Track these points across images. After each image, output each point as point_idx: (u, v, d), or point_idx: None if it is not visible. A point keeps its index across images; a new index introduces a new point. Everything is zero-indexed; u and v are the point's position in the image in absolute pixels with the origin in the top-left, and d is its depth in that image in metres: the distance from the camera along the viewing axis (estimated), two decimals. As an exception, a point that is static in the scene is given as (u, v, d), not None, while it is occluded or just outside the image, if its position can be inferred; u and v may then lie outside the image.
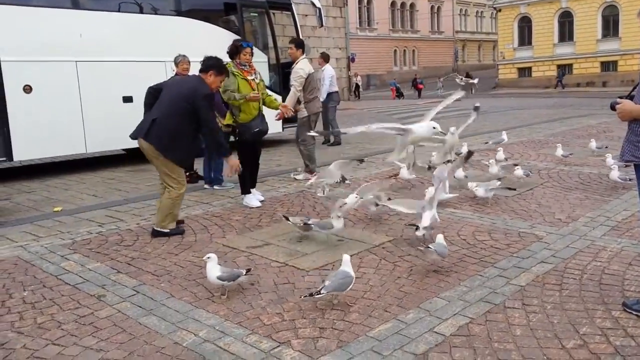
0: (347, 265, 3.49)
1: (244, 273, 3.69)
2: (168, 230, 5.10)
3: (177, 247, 4.80)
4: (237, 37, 10.22)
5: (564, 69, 36.02)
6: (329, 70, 11.54)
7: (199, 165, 7.99)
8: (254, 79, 6.12)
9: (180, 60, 7.61)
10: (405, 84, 40.69)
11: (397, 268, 4.11)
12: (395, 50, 50.71)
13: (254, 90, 6.08)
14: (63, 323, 3.37)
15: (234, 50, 6.12)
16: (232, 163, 5.25)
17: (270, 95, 6.54)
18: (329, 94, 11.42)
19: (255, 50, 10.88)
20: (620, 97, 3.27)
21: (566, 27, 36.74)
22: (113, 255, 4.63)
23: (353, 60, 34.59)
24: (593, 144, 8.21)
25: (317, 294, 3.33)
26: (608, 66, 35.05)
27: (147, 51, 9.50)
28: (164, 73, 9.22)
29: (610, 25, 35.00)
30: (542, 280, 3.77)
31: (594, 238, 4.61)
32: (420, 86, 35.77)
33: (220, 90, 6.08)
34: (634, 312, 3.21)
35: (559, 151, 7.95)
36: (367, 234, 4.98)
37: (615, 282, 3.69)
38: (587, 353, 2.82)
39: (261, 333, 3.14)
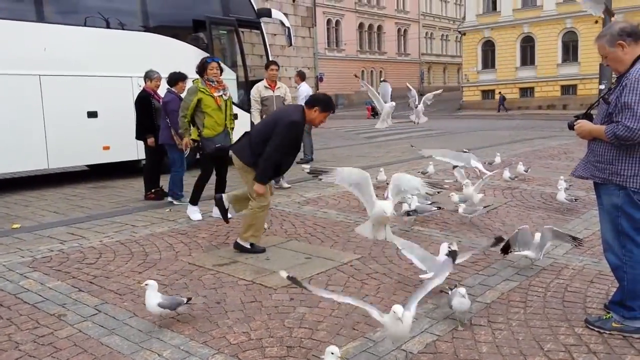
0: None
1: (185, 302, 3.48)
2: (249, 246, 4.93)
3: (140, 265, 4.70)
4: (206, 55, 10.25)
5: (488, 94, 37.31)
6: (305, 89, 11.61)
7: (165, 182, 7.89)
8: (221, 96, 6.11)
9: (156, 77, 7.59)
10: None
11: (365, 286, 4.11)
12: (362, 71, 51.37)
13: (219, 106, 6.06)
14: (21, 343, 3.25)
15: (202, 67, 6.11)
16: (257, 189, 4.83)
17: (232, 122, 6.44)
18: None
19: (223, 67, 10.97)
20: (576, 117, 3.38)
21: (528, 52, 37.90)
22: (74, 274, 4.50)
23: (321, 80, 34.90)
24: (506, 173, 8.03)
25: None
26: (568, 90, 36.21)
27: (114, 66, 9.38)
28: (130, 89, 9.16)
29: (570, 50, 36.26)
30: (507, 297, 3.82)
31: (556, 256, 4.70)
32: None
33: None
34: (596, 329, 3.28)
35: (520, 167, 8.05)
36: (336, 252, 4.97)
37: (577, 300, 3.76)
38: (552, 369, 2.86)
39: (227, 352, 3.08)
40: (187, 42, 10.56)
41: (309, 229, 5.82)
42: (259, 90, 8.38)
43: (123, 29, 9.84)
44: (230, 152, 5.11)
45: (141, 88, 7.74)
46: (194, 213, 6.32)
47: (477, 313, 3.56)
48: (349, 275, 4.34)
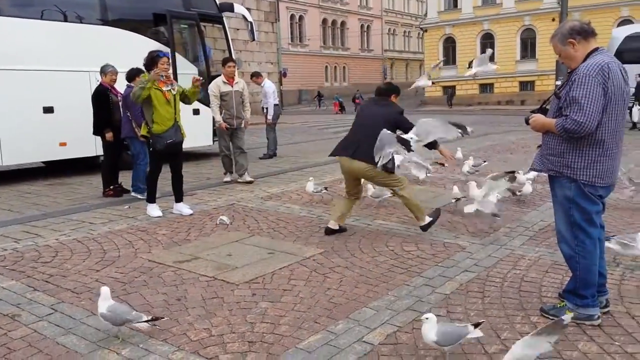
0: None
1: (144, 319, 3.15)
2: (429, 220, 5.33)
3: (98, 263, 4.60)
4: (167, 49, 10.09)
5: (453, 89, 38.07)
6: (270, 84, 11.58)
7: (123, 179, 7.76)
8: (169, 90, 6.04)
9: (110, 71, 7.43)
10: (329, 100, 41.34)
11: (327, 280, 4.13)
12: (326, 67, 51.44)
13: (168, 100, 6.02)
14: (-29, 346, 3.14)
15: (150, 62, 6.01)
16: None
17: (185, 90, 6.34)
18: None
19: (184, 62, 10.84)
20: (532, 112, 3.47)
21: (488, 48, 38.61)
22: (29, 273, 4.37)
23: (285, 75, 34.80)
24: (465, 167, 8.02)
25: None
26: (526, 86, 37.10)
27: (71, 61, 9.14)
28: (87, 83, 8.94)
29: (528, 47, 37.12)
30: (466, 288, 3.90)
31: (513, 247, 4.82)
32: (358, 101, 36.43)
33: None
34: (551, 317, 3.37)
35: (470, 162, 8.05)
36: (298, 247, 4.98)
37: (533, 289, 3.87)
38: (508, 357, 2.93)
39: (188, 349, 3.05)
40: (147, 37, 10.36)
41: (272, 224, 5.80)
42: (218, 85, 8.35)
43: (81, 23, 9.59)
44: (348, 160, 5.23)
45: (99, 83, 7.57)
46: (154, 210, 6.23)
47: (436, 304, 3.62)
48: (312, 269, 4.35)
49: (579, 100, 3.06)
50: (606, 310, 3.41)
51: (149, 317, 3.20)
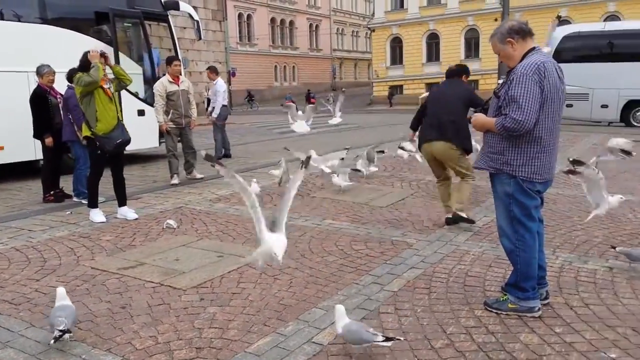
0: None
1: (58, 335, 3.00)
2: (466, 217, 5.41)
3: (38, 272, 4.42)
4: (111, 48, 9.81)
5: (396, 89, 38.99)
6: (222, 83, 11.43)
7: (64, 184, 7.49)
8: (109, 88, 5.92)
9: (47, 72, 7.14)
10: (283, 100, 41.20)
11: (277, 281, 4.11)
12: (275, 66, 51.25)
13: (110, 98, 5.89)
14: None
15: (88, 62, 5.81)
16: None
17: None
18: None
19: (129, 61, 10.56)
20: (475, 111, 3.57)
21: (433, 48, 39.45)
22: (-37, 285, 4.16)
23: (234, 74, 34.47)
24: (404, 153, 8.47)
25: None
26: (471, 84, 38.03)
27: (8, 60, 8.73)
28: (26, 84, 8.57)
29: (472, 47, 38.13)
30: (413, 284, 3.97)
31: (458, 243, 4.94)
32: (313, 100, 36.41)
33: (77, 93, 5.91)
34: (494, 310, 3.47)
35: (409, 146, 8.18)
36: (248, 249, 4.92)
37: (477, 284, 3.97)
38: (454, 351, 3.00)
39: (133, 359, 2.98)
40: (89, 35, 10.04)
41: (221, 226, 5.73)
42: (164, 85, 8.21)
43: (19, 21, 9.19)
44: (438, 142, 5.44)
45: (37, 84, 7.27)
46: (97, 215, 6.04)
47: (384, 301, 3.67)
48: (261, 271, 4.32)
49: (517, 99, 3.16)
50: (546, 302, 3.54)
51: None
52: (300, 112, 8.11)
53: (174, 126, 8.21)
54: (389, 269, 4.31)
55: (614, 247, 4.32)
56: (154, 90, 8.42)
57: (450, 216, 5.47)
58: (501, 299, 3.54)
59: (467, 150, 5.60)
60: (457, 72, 5.91)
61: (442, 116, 5.44)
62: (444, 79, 5.98)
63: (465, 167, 5.53)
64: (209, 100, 20.84)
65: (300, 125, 8.02)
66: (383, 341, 2.87)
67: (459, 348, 3.03)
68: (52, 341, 3.02)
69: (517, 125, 3.17)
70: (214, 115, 11.16)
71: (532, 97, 3.15)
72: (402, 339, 3.02)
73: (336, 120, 8.45)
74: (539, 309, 3.42)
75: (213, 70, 11.55)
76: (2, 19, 8.96)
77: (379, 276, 4.15)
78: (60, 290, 3.29)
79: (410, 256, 4.60)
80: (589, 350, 2.98)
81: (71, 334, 3.11)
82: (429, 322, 3.35)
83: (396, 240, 5.07)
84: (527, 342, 3.08)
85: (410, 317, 3.42)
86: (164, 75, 8.73)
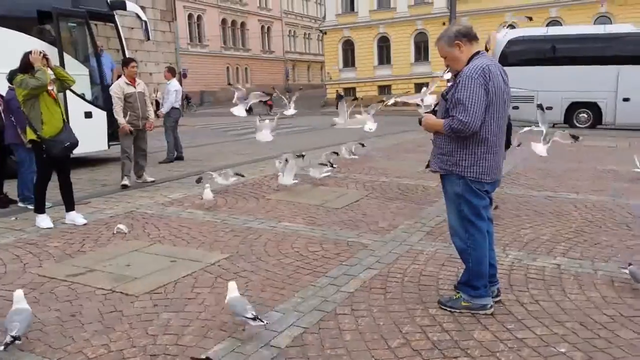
0: None
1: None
2: None
3: (-18, 281, 4.23)
4: (54, 48, 9.48)
5: (349, 91, 39.38)
6: (175, 84, 11.24)
7: (9, 188, 7.19)
8: (52, 90, 5.75)
9: None
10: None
11: (232, 285, 4.06)
12: (228, 68, 50.73)
13: (55, 100, 5.74)
14: None
15: (28, 64, 5.60)
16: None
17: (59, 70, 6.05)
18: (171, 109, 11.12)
19: (74, 62, 10.25)
20: (427, 112, 3.64)
21: (384, 51, 39.98)
22: None
23: (185, 76, 33.90)
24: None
25: None
26: (421, 87, 38.56)
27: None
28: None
29: (422, 50, 38.84)
30: (369, 285, 4.01)
31: (412, 243, 5.02)
32: (270, 102, 36.08)
33: (19, 96, 5.68)
34: (448, 309, 3.55)
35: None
36: (202, 252, 4.87)
37: (431, 283, 4.05)
38: (410, 350, 3.05)
39: (85, 368, 2.89)
40: (32, 35, 9.68)
41: (174, 230, 5.63)
42: (121, 87, 8.10)
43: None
44: None
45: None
46: (44, 221, 5.82)
47: (341, 302, 3.69)
48: (217, 275, 4.27)
49: (463, 102, 3.24)
50: (498, 299, 3.64)
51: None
52: (266, 122, 8.58)
53: (132, 128, 8.07)
54: (345, 270, 4.33)
55: (630, 264, 3.97)
56: (111, 93, 8.27)
57: None
58: (454, 297, 3.62)
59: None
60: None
61: None
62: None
63: None
64: (157, 103, 20.41)
65: (265, 135, 8.39)
66: (251, 319, 3.15)
67: (415, 347, 3.08)
68: (2, 347, 2.95)
69: (464, 127, 3.25)
70: (163, 111, 11.00)
71: (478, 100, 3.24)
72: (265, 322, 3.21)
73: (291, 111, 9.03)
74: (491, 307, 3.51)
75: (170, 70, 11.42)
76: None
77: (335, 277, 4.17)
78: (18, 293, 3.24)
79: (366, 257, 4.65)
80: (539, 345, 3.09)
81: (20, 342, 3.04)
82: (385, 322, 3.39)
83: (352, 242, 5.11)
84: (481, 339, 3.16)
85: (366, 317, 3.45)
86: (119, 78, 8.57)
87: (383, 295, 3.82)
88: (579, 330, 3.26)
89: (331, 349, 3.06)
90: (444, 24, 33.48)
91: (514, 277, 4.14)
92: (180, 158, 11.22)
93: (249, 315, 3.15)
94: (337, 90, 38.88)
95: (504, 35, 16.64)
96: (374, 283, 4.04)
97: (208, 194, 6.51)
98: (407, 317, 3.46)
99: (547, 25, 30.52)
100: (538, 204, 6.53)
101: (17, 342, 3.00)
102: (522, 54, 17.72)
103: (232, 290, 3.35)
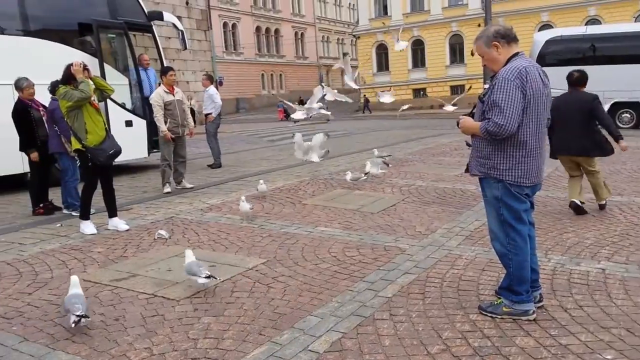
0: None
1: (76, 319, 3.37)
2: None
3: (30, 285, 4.38)
4: (95, 59, 9.77)
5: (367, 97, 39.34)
6: (213, 91, 11.46)
7: (54, 196, 7.43)
8: (94, 100, 5.94)
9: (26, 85, 7.05)
10: (273, 107, 41.34)
11: (271, 290, 4.10)
12: (262, 74, 51.27)
13: (97, 109, 5.93)
14: None
15: (70, 75, 5.81)
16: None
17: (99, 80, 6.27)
18: (206, 115, 11.29)
19: (114, 72, 10.53)
20: (465, 115, 3.60)
21: (419, 54, 39.73)
22: (-48, 301, 4.11)
23: (221, 83, 34.43)
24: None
25: None
26: (457, 90, 38.27)
27: (-8, 73, 8.67)
28: (11, 97, 8.47)
29: (457, 52, 38.45)
30: (407, 290, 3.98)
31: (450, 248, 4.96)
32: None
33: (63, 108, 5.87)
34: (489, 314, 3.49)
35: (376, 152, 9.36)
36: (240, 258, 4.92)
37: (471, 288, 3.99)
38: (450, 356, 3.01)
39: (129, 370, 2.96)
40: (73, 47, 10.00)
41: (213, 235, 5.71)
42: (160, 95, 8.30)
43: (2, 34, 9.13)
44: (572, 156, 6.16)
45: (18, 97, 7.18)
46: (88, 227, 5.99)
47: (379, 308, 3.67)
48: (255, 280, 4.31)
49: (499, 104, 3.20)
50: (540, 304, 3.56)
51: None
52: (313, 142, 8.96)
53: (172, 135, 8.25)
54: (382, 275, 4.31)
55: None
56: (151, 102, 8.48)
57: (603, 202, 6.19)
58: (495, 302, 3.56)
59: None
60: (578, 80, 6.17)
61: (573, 129, 5.99)
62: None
63: (595, 167, 6.17)
64: (192, 110, 20.73)
65: (313, 157, 8.98)
66: (205, 277, 3.77)
67: (456, 353, 3.04)
68: (73, 324, 3.36)
69: (499, 129, 3.21)
70: (214, 114, 11.21)
71: (514, 102, 3.19)
72: (218, 278, 3.94)
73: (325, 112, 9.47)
74: (533, 312, 3.44)
75: (208, 78, 11.62)
76: (-15, 33, 8.91)
77: (373, 282, 4.16)
78: (74, 279, 3.63)
79: (404, 262, 4.62)
80: (584, 352, 3.01)
81: (89, 319, 3.47)
82: (424, 328, 3.36)
83: (389, 246, 5.08)
84: (523, 346, 3.10)
85: (405, 323, 3.43)
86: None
87: (422, 300, 3.79)
88: (626, 336, 3.16)
89: (370, 354, 3.05)
90: (479, 25, 33.08)
91: (557, 282, 4.04)
92: (214, 165, 11.37)
93: (203, 275, 3.69)
94: (364, 95, 39.00)
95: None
96: (412, 288, 4.01)
97: (244, 206, 6.44)
98: (446, 323, 3.42)
99: (586, 24, 29.79)
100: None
101: (83, 319, 3.38)
102: (560, 53, 17.35)
103: (190, 256, 3.98)
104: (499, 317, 3.44)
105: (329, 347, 3.15)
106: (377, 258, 4.75)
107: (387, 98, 9.70)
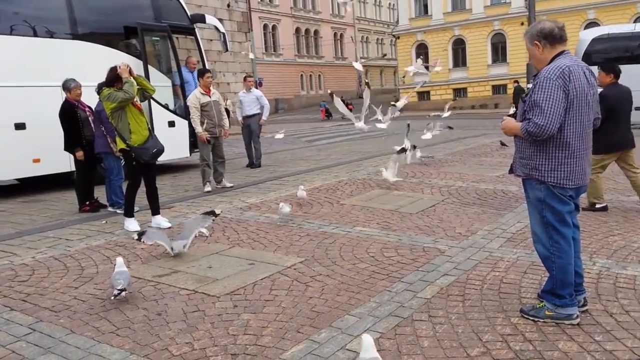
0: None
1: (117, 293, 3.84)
2: None
3: (76, 280, 4.53)
4: (140, 61, 10.02)
5: (423, 95, 38.66)
6: (259, 92, 11.61)
7: (99, 194, 7.66)
8: (137, 100, 6.11)
9: (74, 86, 7.31)
10: (312, 108, 41.53)
11: (309, 288, 4.12)
12: (301, 75, 51.51)
13: (140, 110, 6.09)
14: (-54, 370, 3.07)
15: (115, 77, 5.98)
16: None
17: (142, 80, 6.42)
18: (252, 116, 11.39)
19: (158, 74, 10.78)
20: (508, 115, 3.55)
21: (460, 53, 39.16)
22: (5, 292, 4.28)
23: (261, 84, 34.76)
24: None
25: None
26: (499, 89, 37.62)
27: (42, 76, 8.99)
28: (60, 98, 8.79)
29: (499, 51, 37.73)
30: (446, 292, 3.93)
31: (492, 250, 4.88)
32: (350, 106, 36.39)
33: (107, 109, 6.06)
34: (531, 318, 3.42)
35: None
36: (279, 256, 4.97)
37: (512, 291, 3.92)
38: None
39: (170, 364, 3.02)
40: (119, 49, 10.28)
41: (252, 234, 5.78)
42: (197, 97, 8.46)
43: (51, 37, 9.47)
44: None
45: (65, 99, 7.44)
46: (132, 224, 6.17)
47: (418, 309, 3.64)
48: (293, 278, 4.35)
49: (539, 104, 3.14)
50: (584, 309, 3.47)
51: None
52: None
53: (209, 136, 8.40)
54: (421, 276, 4.28)
55: None
56: (188, 103, 8.67)
57: None
58: (538, 306, 3.49)
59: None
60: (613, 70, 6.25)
61: (627, 123, 6.09)
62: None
63: (633, 162, 6.21)
64: (227, 111, 20.94)
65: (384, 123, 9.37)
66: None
67: (496, 356, 2.99)
68: (112, 297, 3.86)
69: (539, 130, 3.14)
70: (265, 117, 11.33)
71: (554, 102, 3.11)
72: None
73: (384, 125, 9.55)
74: (577, 317, 3.35)
75: (251, 78, 11.76)
76: (36, 36, 9.25)
77: (411, 283, 4.13)
78: (119, 260, 4.07)
79: (443, 263, 4.57)
80: (630, 358, 2.91)
81: (129, 292, 3.94)
82: (464, 330, 3.32)
83: (428, 247, 5.04)
84: (566, 350, 3.02)
85: (444, 325, 3.39)
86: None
87: (461, 302, 3.74)
88: (676, 343, 3.05)
89: (408, 355, 3.03)
90: (522, 24, 32.44)
91: (602, 286, 3.92)
92: (255, 165, 11.46)
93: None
94: (391, 102, 38.77)
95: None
96: (452, 290, 3.97)
97: (302, 194, 6.96)
98: (487, 326, 3.36)
99: (634, 21, 28.79)
100: (627, 210, 6.17)
101: (123, 293, 3.82)
102: (607, 52, 16.76)
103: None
104: (541, 320, 3.37)
105: (366, 346, 3.14)
106: (415, 259, 4.71)
107: (401, 102, 9.92)
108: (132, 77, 5.97)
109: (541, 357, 2.96)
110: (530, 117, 3.18)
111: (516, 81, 24.48)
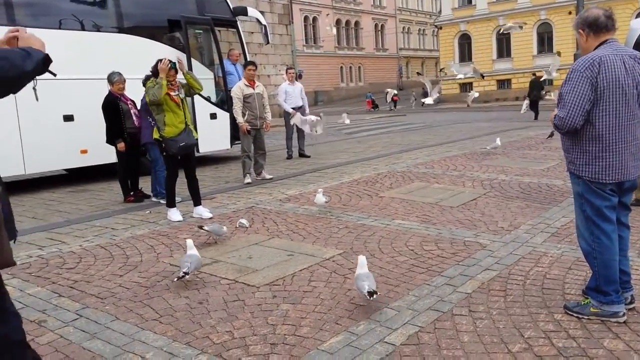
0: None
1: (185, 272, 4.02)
2: None
3: (121, 268, 4.67)
4: (183, 54, 10.18)
5: (466, 86, 37.70)
6: (300, 86, 11.68)
7: (144, 184, 7.85)
8: (177, 95, 6.19)
9: (117, 80, 7.50)
10: (352, 100, 41.38)
11: (347, 280, 4.12)
12: (341, 67, 51.39)
13: (177, 104, 6.18)
14: (0, 352, 3.20)
15: (157, 71, 6.11)
16: None
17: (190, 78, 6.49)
18: (299, 107, 11.44)
19: (200, 66, 10.94)
20: None
21: (504, 44, 38.28)
22: (54, 279, 4.45)
23: (301, 76, 34.85)
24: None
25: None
26: (544, 80, 36.60)
27: (89, 69, 9.26)
28: (106, 90, 9.04)
29: (545, 41, 36.69)
30: (488, 286, 3.87)
31: (535, 245, 4.77)
32: (395, 98, 36.19)
33: (147, 102, 6.24)
34: (575, 314, 3.33)
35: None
36: (317, 248, 4.99)
37: (556, 286, 3.82)
38: (532, 356, 2.91)
39: (211, 352, 3.08)
40: (163, 43, 10.48)
41: (291, 225, 5.82)
42: (241, 88, 8.56)
43: (98, 31, 9.73)
44: None
45: (108, 92, 7.64)
46: (174, 214, 6.30)
47: (458, 303, 3.60)
48: (332, 270, 4.36)
49: (564, 96, 3.08)
50: (631, 306, 3.36)
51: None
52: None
53: (249, 127, 8.49)
54: (461, 270, 4.22)
55: None
56: (231, 94, 8.79)
57: None
58: (582, 302, 3.39)
59: None
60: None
61: None
62: None
63: None
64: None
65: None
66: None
67: (538, 353, 2.93)
68: (175, 279, 4.06)
69: (561, 123, 3.09)
70: (308, 114, 11.37)
71: (579, 94, 3.02)
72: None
73: (430, 100, 10.52)
74: (623, 314, 3.24)
75: (292, 70, 11.78)
76: (83, 30, 9.51)
77: (452, 277, 4.08)
78: (189, 242, 4.26)
79: (484, 257, 4.49)
80: (681, 358, 2.81)
81: (189, 275, 4.06)
82: (505, 325, 3.26)
83: (469, 241, 4.97)
84: (612, 349, 2.93)
85: (485, 320, 3.34)
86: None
87: (503, 297, 3.67)
88: None
89: (447, 350, 3.00)
90: (570, 13, 31.47)
91: (651, 284, 3.79)
92: (304, 155, 11.55)
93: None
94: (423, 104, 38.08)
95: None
96: (493, 285, 3.90)
97: (320, 198, 6.38)
98: (529, 322, 3.30)
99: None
100: None
101: (186, 276, 3.99)
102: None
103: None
104: (586, 317, 3.28)
105: (405, 339, 3.13)
106: (456, 253, 4.65)
107: (429, 100, 10.20)
108: (170, 75, 6.05)
109: (585, 355, 2.88)
110: (558, 109, 3.12)
111: (534, 74, 23.85)
